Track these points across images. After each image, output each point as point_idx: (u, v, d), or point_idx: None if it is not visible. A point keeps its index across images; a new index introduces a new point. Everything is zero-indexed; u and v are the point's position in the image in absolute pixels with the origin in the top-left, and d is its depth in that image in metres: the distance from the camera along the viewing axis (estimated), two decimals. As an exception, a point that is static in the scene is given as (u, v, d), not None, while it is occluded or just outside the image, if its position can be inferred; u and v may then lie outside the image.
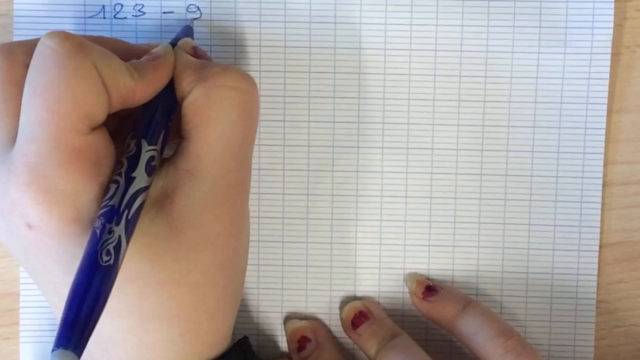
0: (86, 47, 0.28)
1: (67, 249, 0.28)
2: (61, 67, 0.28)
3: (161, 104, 0.31)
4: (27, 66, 0.29)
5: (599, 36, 0.36)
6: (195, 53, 0.33)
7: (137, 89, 0.30)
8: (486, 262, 0.37)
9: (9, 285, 0.37)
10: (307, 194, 0.37)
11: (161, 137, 0.30)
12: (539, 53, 0.36)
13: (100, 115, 0.29)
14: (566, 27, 0.36)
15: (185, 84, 0.31)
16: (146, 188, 0.29)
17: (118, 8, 0.36)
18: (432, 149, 0.37)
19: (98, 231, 0.27)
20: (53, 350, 0.24)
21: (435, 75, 0.36)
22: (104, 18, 0.36)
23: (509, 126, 0.37)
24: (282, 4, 0.36)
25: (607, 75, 0.36)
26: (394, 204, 0.37)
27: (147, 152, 0.30)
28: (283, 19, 0.36)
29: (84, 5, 0.36)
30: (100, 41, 0.31)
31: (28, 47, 0.30)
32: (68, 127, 0.28)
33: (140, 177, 0.29)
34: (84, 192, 0.28)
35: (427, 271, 0.37)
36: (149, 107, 0.31)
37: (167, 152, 0.31)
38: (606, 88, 0.36)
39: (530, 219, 0.37)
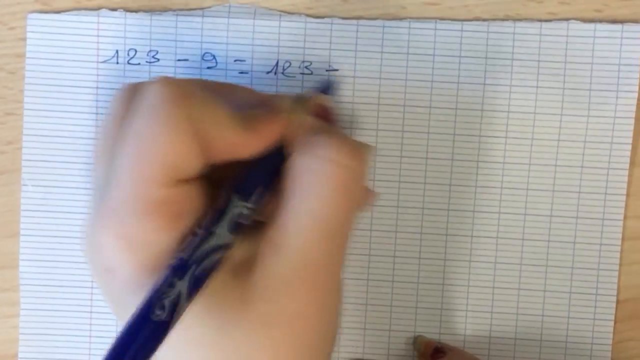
0: (185, 97, 0.27)
1: (140, 299, 0.27)
2: (152, 115, 0.26)
3: (267, 159, 0.29)
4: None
5: (623, 100, 0.35)
6: (323, 112, 0.31)
7: (243, 143, 0.28)
8: (499, 328, 0.37)
9: (6, 346, 0.37)
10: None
11: (257, 195, 0.28)
12: (561, 115, 0.36)
13: (191, 168, 0.27)
14: (590, 90, 0.35)
15: (292, 146, 0.29)
16: (226, 246, 0.27)
17: (132, 53, 0.36)
18: (448, 210, 0.36)
19: (160, 282, 0.26)
20: None
21: (454, 134, 0.36)
22: (117, 63, 0.36)
23: (527, 189, 0.36)
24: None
25: (630, 140, 0.36)
26: (406, 264, 0.36)
27: (236, 207, 0.28)
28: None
29: (97, 50, 0.36)
30: (223, 88, 0.29)
31: (137, 89, 0.29)
32: (150, 177, 0.26)
33: (221, 234, 0.27)
34: (160, 242, 0.27)
35: (438, 335, 0.37)
36: (255, 160, 0.29)
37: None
38: (629, 153, 0.36)
39: (546, 285, 0.36)
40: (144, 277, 0.27)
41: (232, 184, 0.28)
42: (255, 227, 0.29)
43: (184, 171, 0.27)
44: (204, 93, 0.28)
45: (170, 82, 0.27)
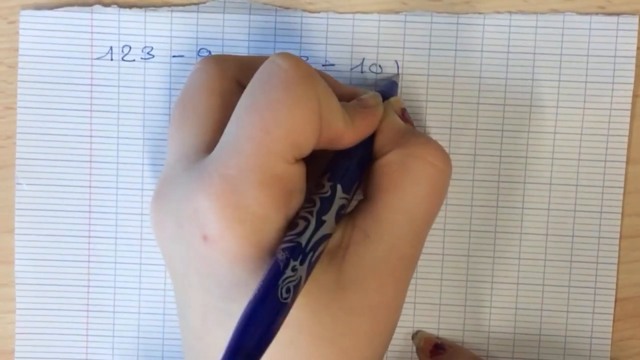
0: (315, 78, 0.28)
1: (236, 273, 0.27)
2: (288, 91, 0.27)
3: (360, 154, 0.30)
4: (235, 80, 0.29)
5: (619, 92, 0.35)
6: (402, 115, 0.32)
7: (346, 134, 0.29)
8: (498, 323, 0.36)
9: (3, 342, 0.37)
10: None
11: (354, 188, 0.30)
12: (557, 107, 0.36)
13: (308, 148, 0.28)
14: (586, 82, 0.35)
15: (384, 144, 0.30)
16: (330, 235, 0.28)
17: (126, 50, 0.35)
18: (446, 204, 0.36)
19: (282, 265, 0.26)
20: None
21: (451, 127, 0.36)
22: (112, 60, 0.35)
23: (525, 182, 0.36)
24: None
25: (627, 132, 0.36)
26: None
27: (341, 199, 0.29)
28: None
29: (91, 46, 0.35)
30: (320, 74, 0.30)
31: (241, 63, 0.30)
32: (277, 151, 0.26)
33: (329, 222, 0.28)
34: (271, 219, 0.27)
35: (437, 330, 0.36)
36: (347, 154, 0.30)
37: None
38: (625, 145, 0.36)
39: (545, 279, 0.36)
40: (249, 251, 0.27)
41: (334, 175, 0.29)
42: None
43: (304, 150, 0.27)
44: (322, 78, 0.28)
45: (298, 61, 0.28)
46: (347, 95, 0.31)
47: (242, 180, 0.26)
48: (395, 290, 0.29)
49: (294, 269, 0.26)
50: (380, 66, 0.35)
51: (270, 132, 0.26)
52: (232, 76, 0.30)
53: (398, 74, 0.35)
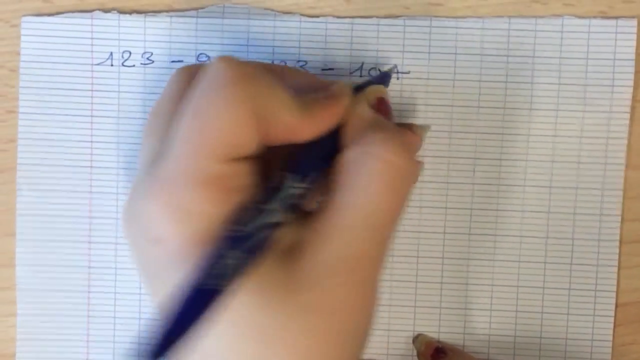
0: (250, 78, 0.28)
1: (181, 272, 0.27)
2: (217, 93, 0.27)
3: (322, 144, 0.30)
4: None
5: (618, 94, 0.35)
6: (379, 105, 0.31)
7: (300, 127, 0.29)
8: (499, 326, 0.36)
9: (5, 345, 0.37)
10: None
11: (311, 178, 0.29)
12: (557, 110, 0.36)
13: (246, 148, 0.28)
14: (585, 85, 0.35)
15: (348, 135, 0.30)
16: (277, 225, 0.28)
17: (126, 55, 0.35)
18: (446, 207, 0.36)
19: (212, 252, 0.26)
20: (130, 356, 0.24)
21: (451, 131, 0.36)
22: (112, 65, 0.36)
23: (524, 185, 0.36)
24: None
25: (626, 135, 0.36)
26: (405, 264, 0.36)
27: (290, 188, 0.29)
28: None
29: (92, 52, 0.35)
30: (283, 71, 0.30)
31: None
32: (208, 152, 0.27)
33: (274, 212, 0.28)
34: (211, 215, 0.27)
35: (437, 334, 0.36)
36: (308, 144, 0.29)
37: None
38: (625, 147, 0.36)
39: (545, 282, 0.36)
40: (192, 249, 0.27)
41: (287, 164, 0.29)
42: (301, 216, 0.29)
43: (241, 150, 0.28)
44: (265, 75, 0.28)
45: (234, 63, 0.28)
46: (318, 88, 0.31)
47: (178, 181, 0.27)
48: (356, 290, 0.29)
49: (222, 256, 0.26)
50: (379, 70, 0.36)
51: (202, 134, 0.27)
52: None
53: (394, 65, 0.35)
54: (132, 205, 0.29)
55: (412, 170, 0.30)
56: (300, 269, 0.28)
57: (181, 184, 0.27)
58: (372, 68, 0.35)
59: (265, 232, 0.28)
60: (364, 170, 0.29)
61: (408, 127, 0.32)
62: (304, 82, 0.31)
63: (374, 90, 0.32)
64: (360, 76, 0.36)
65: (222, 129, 0.27)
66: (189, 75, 0.30)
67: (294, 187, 0.29)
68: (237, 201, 0.28)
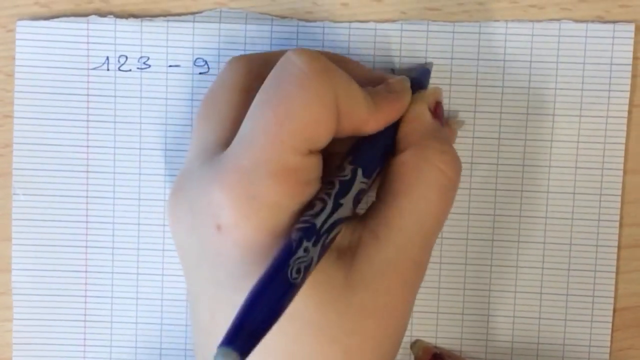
0: (331, 72, 0.28)
1: (248, 263, 0.27)
2: (301, 87, 0.27)
3: (384, 140, 0.30)
4: (261, 77, 0.29)
5: (615, 99, 0.35)
6: (436, 109, 0.32)
7: (370, 120, 0.29)
8: (496, 332, 0.36)
9: (1, 350, 0.37)
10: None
11: (374, 175, 0.30)
12: (554, 115, 0.35)
13: (323, 142, 0.28)
14: (582, 90, 0.35)
15: (406, 135, 0.31)
16: (347, 219, 0.28)
17: (122, 60, 0.35)
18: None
19: (294, 244, 0.26)
20: (219, 346, 0.23)
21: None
22: (108, 70, 0.35)
23: (522, 190, 0.36)
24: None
25: (624, 140, 0.36)
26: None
27: (361, 183, 0.29)
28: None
29: (87, 56, 0.35)
30: (342, 62, 0.30)
31: (267, 60, 0.30)
32: (290, 144, 0.27)
33: (347, 206, 0.28)
34: (285, 208, 0.27)
35: (434, 339, 0.36)
36: (371, 139, 0.30)
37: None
38: (622, 152, 0.36)
39: (542, 287, 0.36)
40: (259, 239, 0.27)
41: (356, 158, 0.29)
42: (354, 216, 0.30)
43: (319, 143, 0.28)
44: (341, 69, 0.29)
45: (317, 56, 0.28)
46: (374, 80, 0.31)
47: (256, 171, 0.27)
48: (403, 294, 0.30)
49: (306, 250, 0.26)
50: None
51: (284, 126, 0.27)
52: (257, 73, 0.30)
53: (431, 62, 0.35)
54: (191, 190, 0.29)
55: (459, 183, 0.31)
56: (354, 269, 0.29)
57: (258, 174, 0.27)
58: None
59: (338, 226, 0.28)
60: (422, 177, 0.30)
61: (445, 122, 0.33)
62: (361, 74, 0.31)
63: (433, 93, 0.32)
64: None
65: (305, 122, 0.27)
66: (249, 65, 0.31)
67: (363, 182, 0.29)
68: (310, 193, 0.28)
